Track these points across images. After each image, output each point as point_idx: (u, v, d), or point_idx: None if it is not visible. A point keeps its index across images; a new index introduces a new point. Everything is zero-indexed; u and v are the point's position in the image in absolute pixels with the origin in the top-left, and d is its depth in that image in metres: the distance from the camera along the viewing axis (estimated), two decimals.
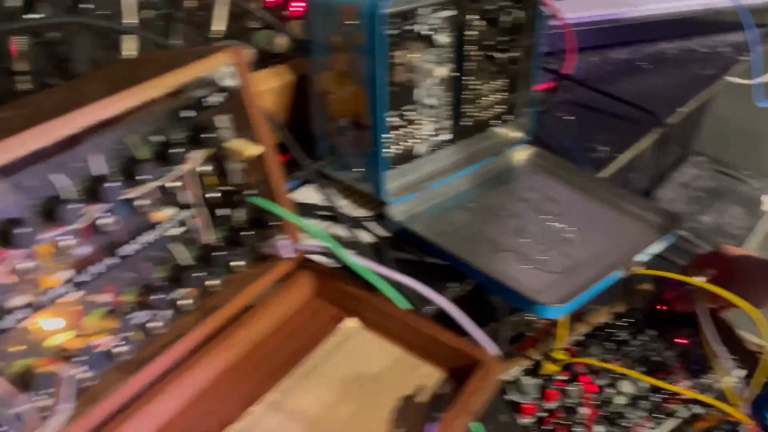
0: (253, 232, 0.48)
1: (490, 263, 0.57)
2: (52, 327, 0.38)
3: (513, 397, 0.68)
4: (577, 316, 0.78)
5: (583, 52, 1.02)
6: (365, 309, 0.51)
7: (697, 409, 0.69)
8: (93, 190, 0.38)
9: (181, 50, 0.55)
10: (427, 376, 0.47)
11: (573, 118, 0.86)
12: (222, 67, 0.45)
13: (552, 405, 0.69)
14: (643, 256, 0.61)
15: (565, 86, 0.92)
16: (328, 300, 0.53)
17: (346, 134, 0.62)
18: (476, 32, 0.66)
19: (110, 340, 0.40)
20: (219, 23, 0.66)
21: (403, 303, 0.50)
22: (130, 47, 0.58)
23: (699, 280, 0.68)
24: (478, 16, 0.66)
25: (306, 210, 0.61)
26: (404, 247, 0.61)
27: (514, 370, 0.69)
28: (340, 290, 0.52)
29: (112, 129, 0.40)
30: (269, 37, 0.69)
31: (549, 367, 0.70)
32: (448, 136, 0.69)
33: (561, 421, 0.67)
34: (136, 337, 0.43)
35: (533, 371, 0.70)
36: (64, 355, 0.39)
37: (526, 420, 0.67)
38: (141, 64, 0.47)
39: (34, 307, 0.37)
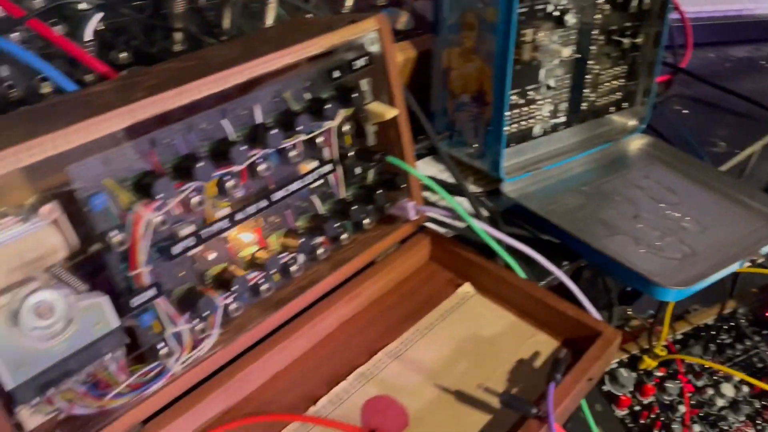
0: (383, 192, 0.51)
1: (606, 244, 0.58)
2: (246, 240, 0.43)
3: (610, 388, 0.68)
4: (679, 315, 0.77)
5: (701, 48, 0.99)
6: (480, 275, 0.53)
7: None
8: (254, 137, 0.42)
9: (334, 16, 0.58)
10: (543, 344, 0.49)
11: (688, 111, 0.84)
12: (369, 33, 0.48)
13: (648, 399, 0.68)
14: None
15: (681, 80, 0.90)
16: (444, 264, 0.55)
17: (466, 110, 0.64)
18: (603, 15, 0.66)
19: (256, 276, 0.44)
20: (346, 4, 0.69)
21: (520, 271, 0.51)
22: (271, 16, 0.62)
23: None
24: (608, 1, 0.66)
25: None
26: (516, 223, 0.62)
27: (612, 362, 0.69)
28: (456, 255, 0.54)
29: (272, 83, 0.44)
30: (394, 15, 0.71)
31: (648, 362, 0.69)
32: (564, 119, 0.69)
33: (657, 417, 0.67)
34: (276, 278, 0.46)
35: (631, 365, 0.70)
36: (256, 262, 0.44)
37: (621, 412, 0.67)
38: (297, 28, 0.50)
39: (200, 238, 0.41)
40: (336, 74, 0.46)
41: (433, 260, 0.56)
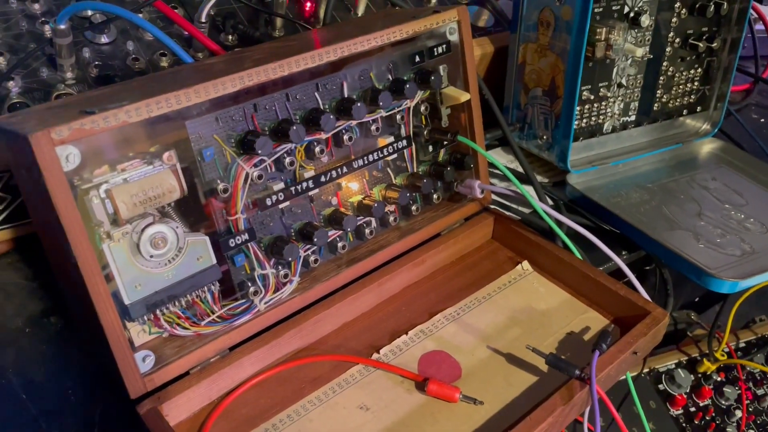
0: (452, 169, 0.55)
1: (666, 237, 0.60)
2: (354, 188, 0.51)
3: (666, 387, 0.69)
4: (744, 325, 0.77)
5: None
6: (539, 254, 0.56)
7: None
8: (341, 109, 0.48)
9: (419, 8, 0.63)
10: (593, 320, 0.52)
11: (764, 120, 0.84)
12: (450, 23, 0.53)
13: (705, 402, 0.69)
14: None
15: (761, 89, 0.90)
16: (504, 243, 0.59)
17: (538, 104, 0.68)
18: (681, 18, 0.68)
19: (335, 235, 0.50)
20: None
21: (576, 251, 0.54)
22: (362, 8, 0.68)
23: None
24: (684, 4, 0.68)
25: (492, 168, 0.67)
26: (578, 213, 0.65)
27: (670, 363, 0.70)
28: (517, 235, 0.58)
29: (359, 63, 0.49)
30: (477, 12, 0.75)
31: (707, 365, 0.70)
32: (635, 118, 0.71)
33: (712, 419, 0.67)
34: (350, 238, 0.52)
35: (689, 367, 0.71)
36: (364, 206, 0.51)
37: (676, 411, 0.68)
38: (387, 15, 0.56)
39: (289, 194, 0.46)
40: (417, 59, 0.51)
41: (494, 238, 0.60)
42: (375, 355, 0.48)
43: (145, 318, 0.42)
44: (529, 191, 0.54)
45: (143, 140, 0.41)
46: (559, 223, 0.55)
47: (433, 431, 0.43)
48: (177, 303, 0.43)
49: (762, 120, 0.84)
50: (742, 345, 0.75)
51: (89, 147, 0.38)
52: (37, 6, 0.58)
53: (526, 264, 0.57)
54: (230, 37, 0.62)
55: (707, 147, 0.75)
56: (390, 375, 0.47)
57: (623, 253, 0.61)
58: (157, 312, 0.42)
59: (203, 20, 0.57)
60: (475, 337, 0.50)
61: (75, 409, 0.44)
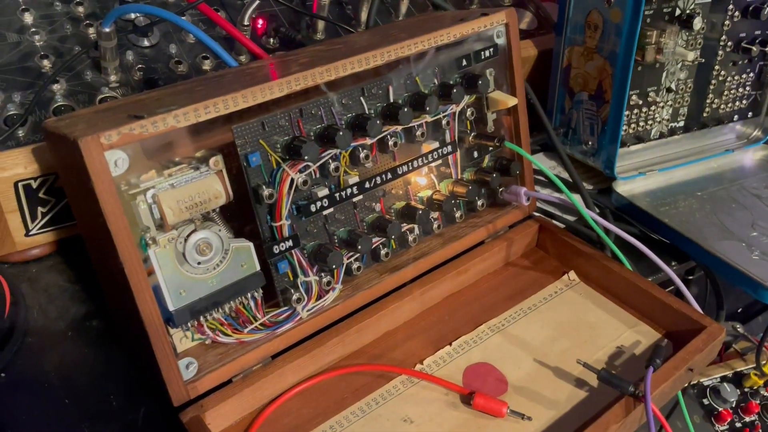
0: (497, 176, 0.54)
1: (718, 246, 0.58)
2: (422, 183, 0.51)
3: (711, 402, 0.67)
4: None
5: None
6: (586, 264, 0.54)
7: None
8: (387, 114, 0.47)
9: (468, 9, 0.62)
10: (644, 333, 0.50)
11: None
12: (498, 26, 0.51)
13: (751, 418, 0.67)
14: None
15: None
16: (550, 252, 0.58)
17: (583, 108, 0.66)
18: (734, 21, 0.66)
19: (378, 242, 0.49)
20: (476, 0, 0.73)
21: (626, 263, 0.53)
22: (403, 10, 0.67)
23: None
24: (737, 7, 0.65)
25: (537, 174, 0.65)
26: (625, 221, 0.63)
27: (715, 376, 0.68)
28: (563, 244, 0.56)
29: (405, 67, 0.48)
30: (519, 14, 0.74)
31: (754, 380, 0.67)
32: (684, 123, 0.69)
33: None
34: (393, 245, 0.50)
35: (736, 381, 0.68)
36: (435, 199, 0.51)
37: (721, 427, 0.66)
38: (433, 18, 0.55)
39: (333, 200, 0.46)
40: (464, 62, 0.50)
41: (540, 247, 0.58)
42: (418, 366, 0.47)
43: (189, 324, 0.42)
44: (576, 198, 0.52)
45: (189, 145, 0.41)
46: (607, 232, 0.53)
47: None
48: (220, 310, 0.42)
49: None
50: None
51: (137, 151, 0.38)
52: (81, 9, 0.58)
53: (572, 274, 0.55)
54: (272, 40, 0.62)
55: (759, 154, 0.72)
56: (434, 387, 0.46)
57: (672, 263, 0.59)
58: (201, 318, 0.42)
59: (246, 23, 0.57)
60: (521, 349, 0.49)
61: (117, 414, 0.44)
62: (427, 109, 0.47)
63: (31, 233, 0.52)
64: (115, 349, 0.48)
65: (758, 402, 0.67)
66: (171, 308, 0.40)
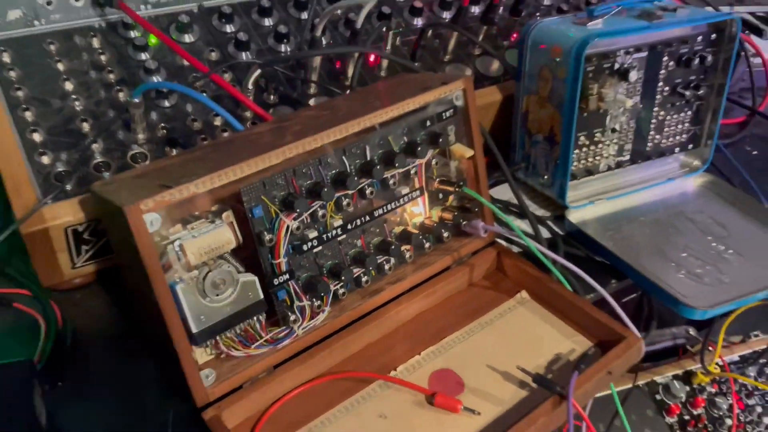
0: (459, 214, 0.65)
1: (650, 268, 0.68)
2: (396, 221, 0.62)
3: (663, 397, 0.77)
4: (741, 340, 0.85)
5: None
6: (536, 285, 0.65)
7: None
8: (364, 170, 0.58)
9: (429, 75, 0.73)
10: (579, 343, 0.61)
11: (757, 152, 0.91)
12: (457, 91, 0.62)
13: (698, 411, 0.77)
14: None
15: (758, 122, 0.97)
16: (507, 274, 0.68)
17: (540, 147, 0.77)
18: (669, 70, 0.76)
19: (360, 272, 0.60)
20: (448, 52, 0.84)
21: (566, 284, 0.64)
22: (384, 68, 0.78)
23: None
24: (671, 58, 0.76)
25: (498, 205, 0.76)
26: (575, 245, 0.74)
27: (668, 374, 0.78)
28: (517, 268, 0.67)
29: (381, 129, 0.59)
30: (486, 63, 0.85)
31: (701, 378, 0.78)
32: (629, 157, 0.80)
33: (704, 427, 0.75)
34: (372, 273, 0.62)
35: (686, 379, 0.78)
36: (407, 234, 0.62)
37: (670, 419, 0.76)
38: (402, 84, 0.66)
39: (321, 241, 0.57)
40: (428, 123, 0.61)
41: (498, 270, 0.69)
42: (393, 372, 0.58)
43: (208, 343, 0.53)
44: (522, 233, 0.63)
45: (207, 200, 0.52)
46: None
47: None
48: (233, 330, 0.54)
49: (755, 152, 0.92)
50: (736, 359, 0.83)
51: (167, 212, 0.49)
52: (112, 76, 0.70)
53: (524, 293, 0.66)
54: (272, 96, 0.73)
55: (698, 181, 0.83)
56: (405, 389, 0.57)
57: (613, 282, 0.70)
58: (217, 338, 0.53)
59: (249, 87, 0.68)
60: (477, 357, 0.60)
61: (152, 415, 0.55)
62: (396, 165, 0.58)
63: (76, 266, 0.64)
64: (147, 362, 0.59)
65: (704, 397, 0.78)
66: (194, 331, 0.52)
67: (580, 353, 0.59)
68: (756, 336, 0.86)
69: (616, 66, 0.73)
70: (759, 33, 1.11)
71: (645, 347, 0.76)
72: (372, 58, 0.76)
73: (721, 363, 0.79)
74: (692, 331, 0.85)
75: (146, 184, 0.51)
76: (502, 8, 0.91)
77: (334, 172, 0.57)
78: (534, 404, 0.54)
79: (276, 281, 0.55)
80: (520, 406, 0.55)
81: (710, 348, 0.78)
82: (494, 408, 0.55)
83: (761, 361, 0.82)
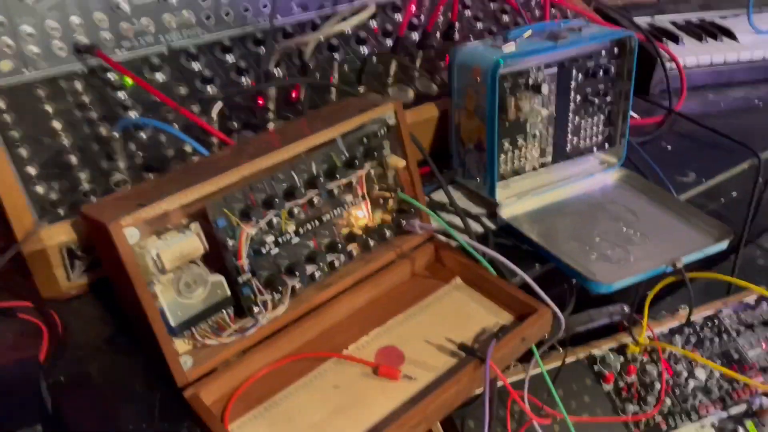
0: (398, 215, 0.76)
1: (567, 252, 0.80)
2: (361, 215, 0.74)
3: (600, 368, 0.88)
4: (671, 312, 0.96)
5: (701, 90, 1.17)
6: (467, 272, 0.77)
7: None
8: (311, 182, 0.69)
9: (367, 99, 0.84)
10: (503, 318, 0.72)
11: (671, 147, 1.03)
12: (389, 112, 0.74)
13: (631, 378, 0.88)
14: (690, 258, 0.79)
15: (675, 120, 1.09)
16: (444, 264, 0.80)
17: (472, 154, 0.88)
18: (578, 82, 0.88)
19: (313, 269, 0.71)
20: (391, 75, 0.95)
21: (491, 270, 0.75)
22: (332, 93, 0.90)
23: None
24: (579, 71, 0.88)
25: (438, 206, 0.88)
26: (506, 236, 0.85)
27: (605, 347, 0.89)
28: (452, 258, 0.78)
29: (325, 147, 0.70)
30: (425, 83, 0.96)
31: (633, 348, 0.89)
32: (549, 159, 0.91)
33: (636, 392, 0.86)
34: (325, 269, 0.73)
35: (621, 351, 0.89)
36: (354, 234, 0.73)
37: (606, 386, 0.87)
38: (344, 108, 0.77)
39: (277, 244, 0.68)
40: (365, 140, 0.73)
41: (437, 261, 0.80)
42: (345, 351, 0.69)
43: (185, 334, 0.64)
44: (453, 231, 0.74)
45: (179, 216, 0.63)
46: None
47: (383, 399, 0.64)
48: (206, 323, 0.64)
49: (669, 147, 1.04)
50: (666, 331, 0.94)
51: (144, 226, 0.60)
52: (94, 114, 0.81)
53: (458, 279, 0.77)
54: (235, 123, 0.84)
55: (614, 176, 0.95)
56: (355, 364, 0.68)
57: (536, 266, 0.81)
58: (193, 329, 0.64)
59: (214, 117, 0.79)
60: (417, 334, 0.71)
61: (142, 397, 0.66)
62: (338, 176, 0.70)
63: (71, 279, 0.74)
64: (138, 355, 0.70)
65: (636, 366, 0.89)
66: (172, 324, 0.62)
67: (500, 325, 0.71)
68: (682, 308, 0.97)
69: (530, 81, 0.84)
70: (676, 40, 1.23)
71: (587, 326, 0.88)
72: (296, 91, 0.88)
73: (651, 335, 0.91)
74: (626, 309, 0.96)
75: (126, 204, 0.62)
76: (438, 33, 1.03)
77: (285, 185, 0.68)
78: (460, 368, 0.65)
79: (240, 280, 0.65)
80: (450, 371, 0.66)
81: (640, 322, 0.89)
82: (428, 374, 0.66)
83: (687, 330, 0.94)
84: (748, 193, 1.01)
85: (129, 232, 0.58)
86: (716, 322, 0.95)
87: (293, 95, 0.87)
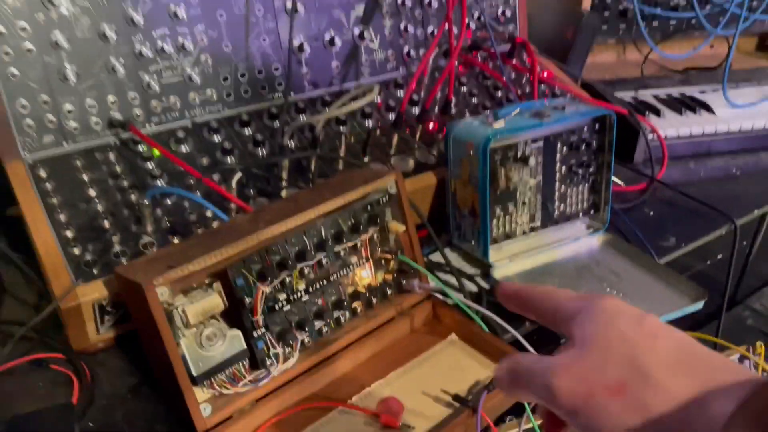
0: (398, 275, 0.84)
1: None
2: (365, 275, 0.81)
3: None
4: None
5: (681, 160, 1.26)
6: (463, 329, 0.83)
7: None
8: (320, 245, 0.77)
9: (369, 170, 0.93)
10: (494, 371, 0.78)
11: (653, 213, 1.11)
12: (390, 182, 0.82)
13: None
14: (668, 317, 0.85)
15: (656, 187, 1.18)
16: (441, 321, 0.86)
17: (466, 219, 0.96)
18: (563, 154, 0.97)
19: (321, 324, 0.78)
20: (393, 146, 1.05)
21: (484, 327, 0.82)
22: (340, 166, 0.99)
23: None
24: (564, 145, 0.97)
25: (435, 266, 0.95)
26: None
27: None
28: (448, 316, 0.85)
29: (333, 214, 0.78)
30: (424, 153, 1.06)
31: None
32: (539, 223, 0.99)
33: None
34: (331, 325, 0.80)
35: None
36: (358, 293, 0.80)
37: None
38: (349, 178, 0.85)
39: (289, 301, 0.75)
40: (369, 207, 0.81)
41: (434, 318, 0.87)
42: (350, 401, 0.75)
43: (205, 383, 0.70)
44: (449, 290, 0.81)
45: (202, 276, 0.71)
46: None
47: None
48: (223, 373, 0.71)
49: (651, 213, 1.12)
50: None
51: (173, 284, 0.68)
52: (125, 182, 0.90)
53: (453, 335, 0.84)
54: (251, 191, 0.93)
55: (599, 240, 1.02)
56: (359, 413, 0.74)
57: (526, 323, 0.88)
58: (212, 379, 0.70)
59: (233, 186, 0.88)
60: (415, 386, 0.77)
61: None
62: (345, 240, 0.78)
63: (99, 333, 0.81)
64: (160, 402, 0.76)
65: None
66: (194, 374, 0.69)
67: (491, 378, 0.77)
68: None
69: (519, 154, 0.93)
70: (657, 113, 1.33)
71: None
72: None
73: None
74: None
75: (156, 266, 0.69)
76: (436, 107, 1.13)
77: (297, 248, 0.76)
78: (454, 418, 0.71)
79: (255, 334, 0.73)
80: (445, 420, 0.72)
81: None
82: (425, 423, 0.72)
83: None
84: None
85: (160, 291, 0.66)
86: None
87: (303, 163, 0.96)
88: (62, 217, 0.84)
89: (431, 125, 1.07)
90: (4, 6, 0.85)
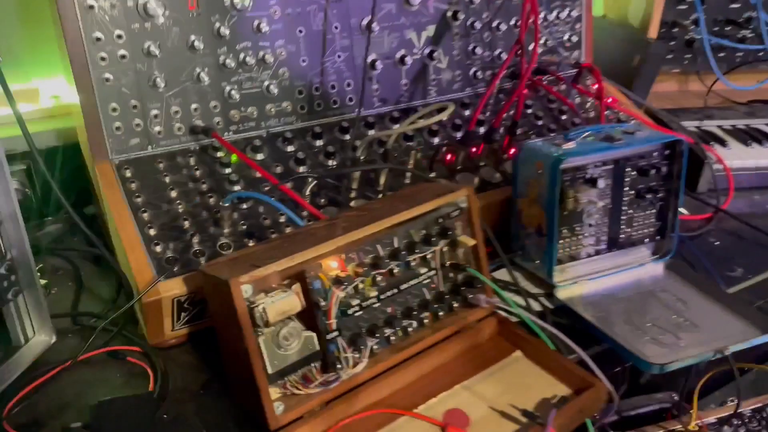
0: (465, 288, 0.85)
1: (620, 334, 0.86)
2: (433, 286, 0.81)
3: None
4: (719, 403, 1.00)
5: (747, 191, 1.25)
6: (527, 346, 0.84)
7: None
8: (393, 255, 0.78)
9: (442, 184, 0.95)
10: (561, 390, 0.78)
11: (719, 243, 1.10)
12: (462, 196, 0.84)
13: None
14: (737, 347, 0.84)
15: (721, 218, 1.17)
16: (504, 337, 0.87)
17: (532, 238, 0.97)
18: (632, 178, 0.97)
19: (390, 332, 0.79)
20: (460, 162, 1.07)
21: (551, 345, 0.82)
22: (408, 178, 1.01)
23: None
24: (633, 169, 0.97)
25: (499, 283, 0.96)
26: (562, 315, 0.92)
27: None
28: (513, 333, 0.86)
29: (406, 224, 0.80)
30: (489, 173, 1.07)
31: None
32: (604, 246, 0.99)
33: None
34: (399, 333, 0.81)
35: None
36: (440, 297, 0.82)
37: None
38: (421, 191, 0.87)
39: (361, 307, 0.77)
40: (440, 220, 0.83)
41: (499, 334, 0.88)
42: (416, 410, 0.76)
43: (278, 382, 0.72)
44: (518, 307, 0.82)
45: (281, 277, 0.73)
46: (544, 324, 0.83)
47: None
48: (296, 374, 0.73)
49: (716, 243, 1.11)
50: (713, 420, 0.98)
51: (256, 283, 0.70)
52: (204, 186, 0.93)
53: (518, 352, 0.84)
54: (323, 200, 0.96)
55: (665, 266, 1.02)
56: (425, 422, 0.75)
57: (594, 346, 0.87)
58: (286, 378, 0.72)
59: (307, 193, 0.91)
60: (481, 400, 0.78)
61: None
62: (417, 251, 0.79)
63: (175, 329, 0.84)
64: (227, 400, 0.78)
65: None
66: (270, 372, 0.71)
67: (560, 397, 0.77)
68: (732, 401, 1.01)
69: (588, 176, 0.94)
70: (723, 143, 1.32)
71: (637, 410, 0.93)
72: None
73: (700, 423, 0.95)
74: (675, 396, 1.00)
75: (240, 265, 0.72)
76: (502, 128, 1.15)
77: (371, 256, 0.78)
78: None
79: (329, 337, 0.74)
80: None
81: (691, 412, 0.93)
82: None
83: (735, 422, 0.98)
84: None
85: (245, 288, 0.69)
86: (765, 414, 0.98)
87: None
88: (146, 216, 0.88)
89: (498, 145, 1.09)
90: (105, 15, 0.90)
